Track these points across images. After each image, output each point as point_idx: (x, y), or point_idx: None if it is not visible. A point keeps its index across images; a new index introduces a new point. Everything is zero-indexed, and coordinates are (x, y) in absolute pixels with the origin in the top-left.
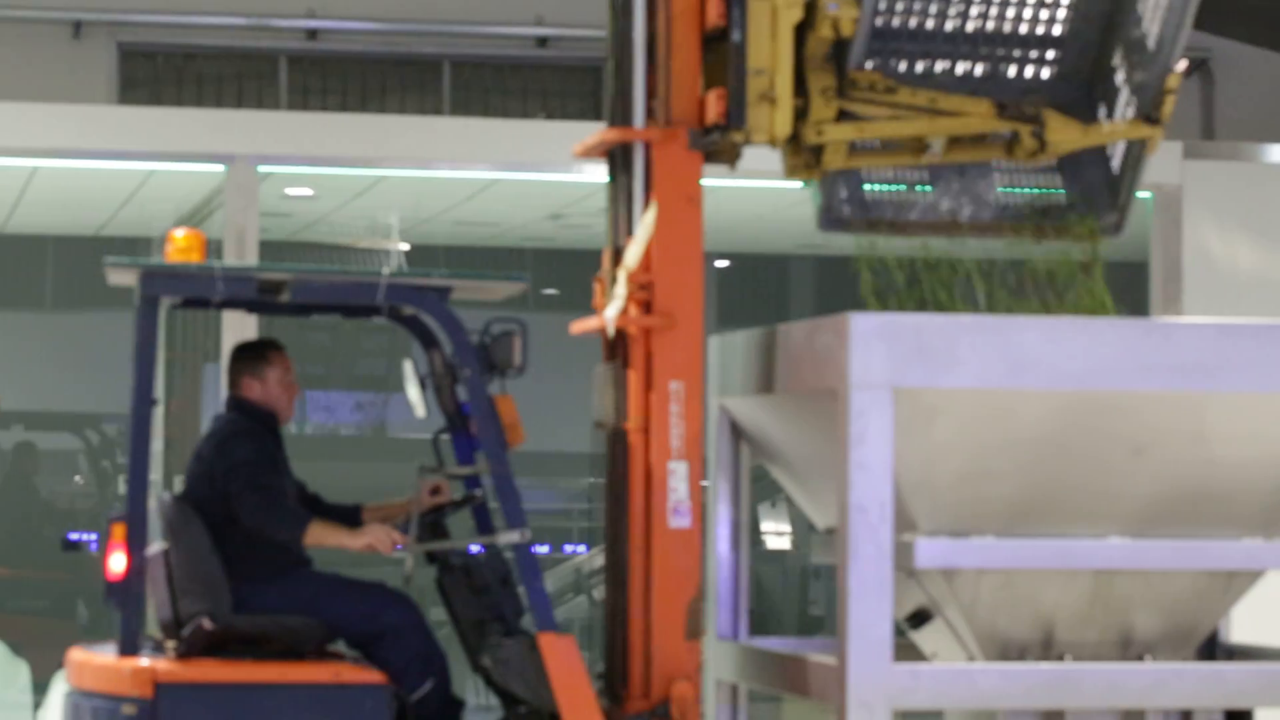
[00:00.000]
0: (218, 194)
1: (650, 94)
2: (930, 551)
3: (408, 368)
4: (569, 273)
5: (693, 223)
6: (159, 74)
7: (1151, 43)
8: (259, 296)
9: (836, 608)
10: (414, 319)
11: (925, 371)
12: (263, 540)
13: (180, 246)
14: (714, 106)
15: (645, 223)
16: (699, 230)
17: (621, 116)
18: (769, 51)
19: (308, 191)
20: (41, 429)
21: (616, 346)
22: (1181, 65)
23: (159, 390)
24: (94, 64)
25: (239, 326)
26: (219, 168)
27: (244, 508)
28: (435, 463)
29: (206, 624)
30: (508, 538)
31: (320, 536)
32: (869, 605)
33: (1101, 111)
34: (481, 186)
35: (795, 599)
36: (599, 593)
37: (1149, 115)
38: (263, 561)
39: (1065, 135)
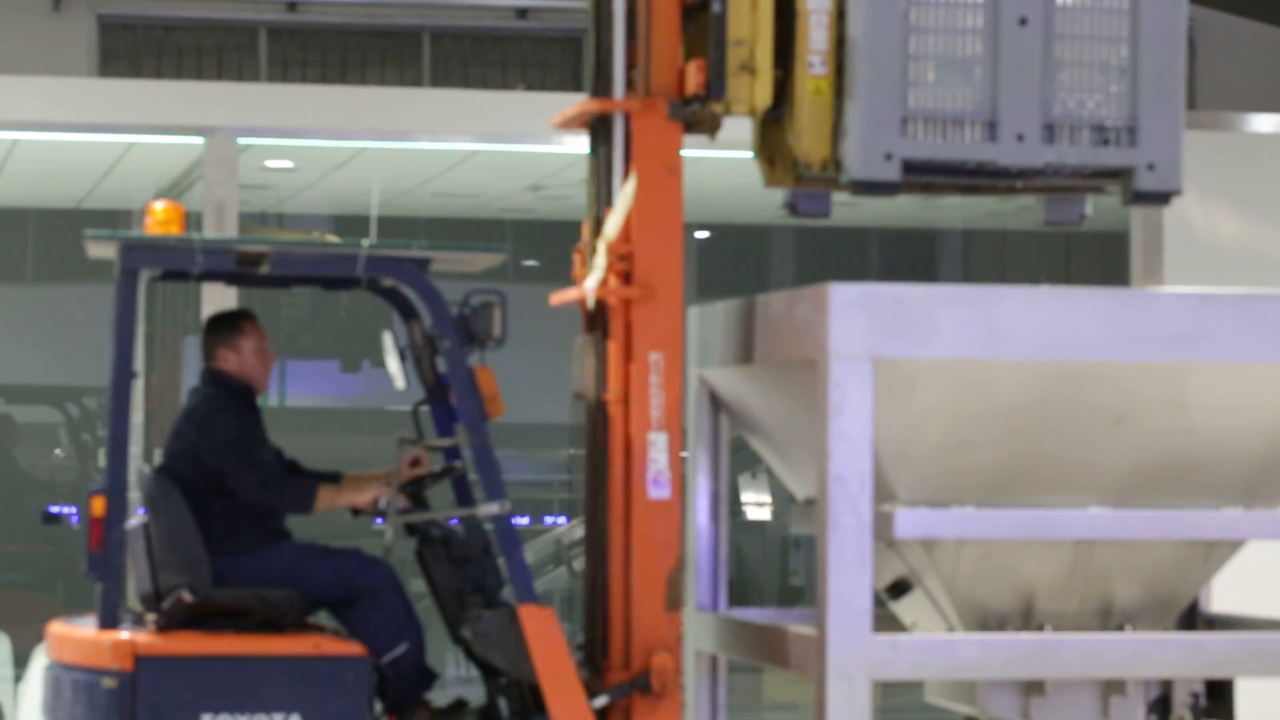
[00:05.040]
0: (197, 166)
1: (630, 65)
2: (910, 522)
3: (387, 339)
4: (549, 244)
5: (673, 193)
6: (138, 46)
7: None
8: (238, 268)
9: (816, 578)
10: (393, 290)
11: (905, 342)
12: (242, 513)
13: (160, 219)
14: (694, 77)
15: (625, 193)
16: (679, 201)
17: (601, 87)
18: (749, 22)
19: (288, 164)
20: (21, 402)
21: (596, 318)
22: None
23: (139, 363)
24: (73, 36)
25: (218, 299)
26: (198, 140)
27: (244, 486)
28: (415, 434)
29: (186, 597)
30: (487, 509)
31: (331, 500)
32: (848, 576)
33: None
34: (461, 158)
35: (775, 570)
36: (579, 564)
37: None
38: (242, 534)
39: None
